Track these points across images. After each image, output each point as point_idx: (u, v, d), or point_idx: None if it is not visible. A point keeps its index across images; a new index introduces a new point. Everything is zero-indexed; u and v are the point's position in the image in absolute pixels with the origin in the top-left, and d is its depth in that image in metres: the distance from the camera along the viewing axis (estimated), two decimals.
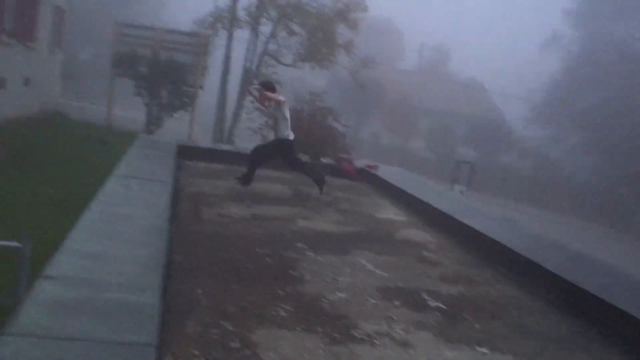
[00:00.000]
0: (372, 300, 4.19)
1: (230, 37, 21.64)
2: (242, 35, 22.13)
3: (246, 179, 7.45)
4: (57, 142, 14.40)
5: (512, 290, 4.85)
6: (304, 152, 11.25)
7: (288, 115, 7.36)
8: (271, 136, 7.95)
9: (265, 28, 21.79)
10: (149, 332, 2.71)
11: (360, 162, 10.48)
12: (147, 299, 3.06)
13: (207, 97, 21.90)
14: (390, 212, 7.45)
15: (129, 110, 24.36)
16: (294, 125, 12.42)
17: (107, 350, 2.51)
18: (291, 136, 7.44)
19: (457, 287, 4.74)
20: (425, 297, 4.41)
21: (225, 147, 13.42)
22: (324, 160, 10.26)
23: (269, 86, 7.53)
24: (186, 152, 9.04)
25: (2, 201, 8.39)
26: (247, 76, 21.36)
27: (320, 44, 20.33)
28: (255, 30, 21.56)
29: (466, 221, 6.49)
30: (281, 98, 7.29)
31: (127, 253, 3.73)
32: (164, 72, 18.17)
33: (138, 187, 5.77)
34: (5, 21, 14.46)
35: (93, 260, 3.44)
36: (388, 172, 9.91)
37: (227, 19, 20.96)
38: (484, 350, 3.63)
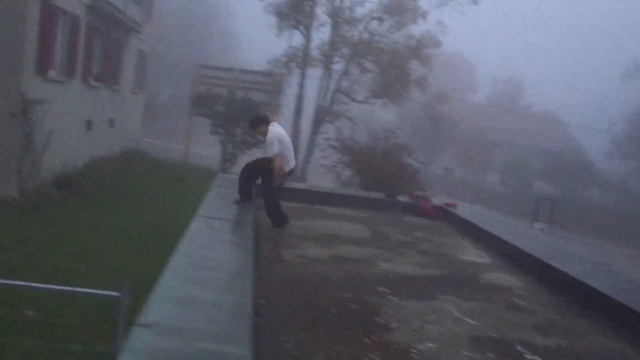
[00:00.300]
0: (464, 352, 3.98)
1: (303, 76, 22.02)
2: (314, 73, 22.48)
3: (281, 218, 7.13)
4: (139, 180, 14.95)
5: (614, 342, 4.51)
6: (378, 189, 11.14)
7: (283, 148, 6.94)
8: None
9: (338, 66, 22.04)
10: None
11: (437, 200, 10.21)
12: (237, 348, 3.01)
13: None
14: (473, 254, 7.19)
15: (206, 148, 25.11)
16: (366, 162, 12.26)
17: None
18: (292, 165, 7.20)
19: (554, 338, 4.45)
20: (521, 349, 4.16)
21: (300, 185, 13.49)
22: (401, 198, 10.08)
23: (263, 120, 7.17)
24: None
25: (89, 240, 8.73)
26: (320, 113, 21.59)
27: (393, 81, 20.32)
28: (327, 68, 21.85)
29: (556, 264, 6.15)
30: (275, 154, 6.86)
31: (215, 298, 3.72)
32: (239, 110, 18.68)
33: (220, 229, 5.83)
34: (92, 65, 15.31)
35: (183, 307, 3.45)
36: (467, 211, 9.61)
37: (301, 58, 21.37)
38: None
